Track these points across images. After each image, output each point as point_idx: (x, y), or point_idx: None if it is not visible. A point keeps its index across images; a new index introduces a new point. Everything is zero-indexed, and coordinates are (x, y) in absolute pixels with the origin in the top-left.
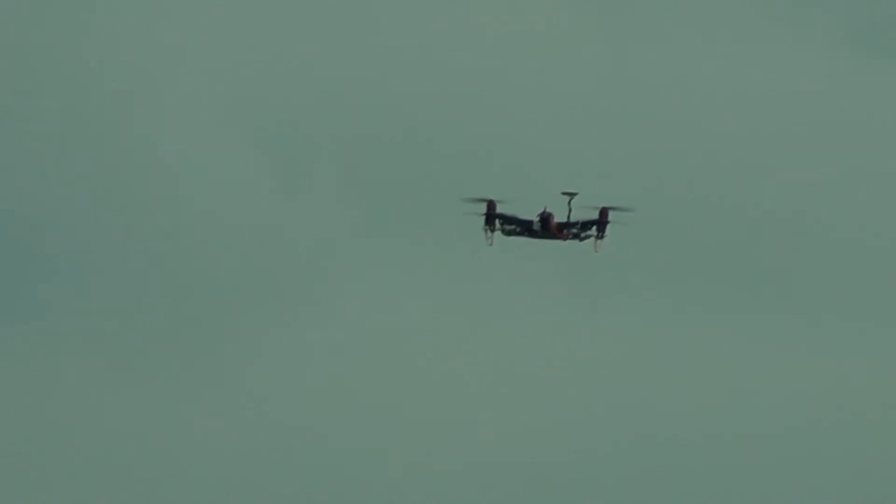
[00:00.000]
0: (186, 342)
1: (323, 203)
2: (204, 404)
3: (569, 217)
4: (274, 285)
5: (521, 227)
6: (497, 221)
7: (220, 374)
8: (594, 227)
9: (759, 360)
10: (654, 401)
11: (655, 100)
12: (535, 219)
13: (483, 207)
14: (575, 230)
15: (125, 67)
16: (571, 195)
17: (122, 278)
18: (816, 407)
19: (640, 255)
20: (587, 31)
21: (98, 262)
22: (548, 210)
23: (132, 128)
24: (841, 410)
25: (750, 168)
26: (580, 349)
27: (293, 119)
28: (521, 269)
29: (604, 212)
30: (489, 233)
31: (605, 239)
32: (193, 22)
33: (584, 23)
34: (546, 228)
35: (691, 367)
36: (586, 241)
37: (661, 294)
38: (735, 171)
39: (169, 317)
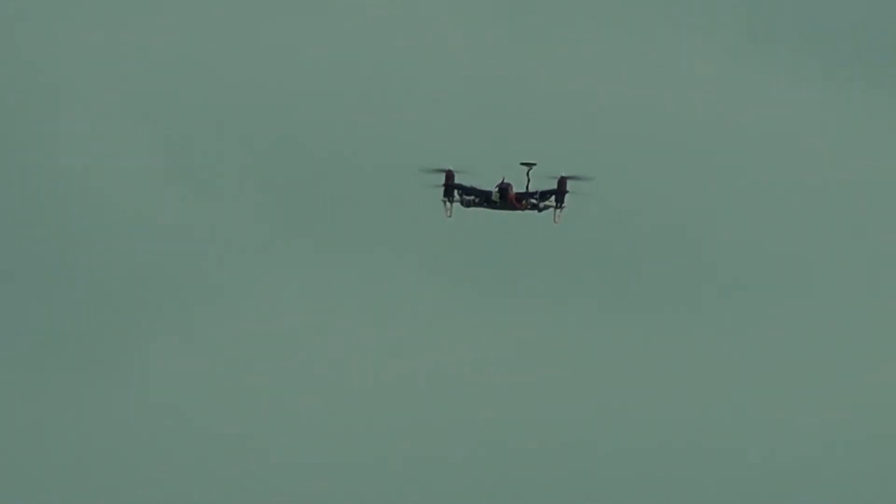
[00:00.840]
0: (85, 344)
1: (230, 205)
2: (99, 405)
3: (527, 187)
4: (176, 286)
5: (480, 198)
6: (455, 192)
7: (124, 376)
8: (553, 198)
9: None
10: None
11: (551, 100)
12: (494, 189)
13: (441, 178)
14: (534, 200)
15: (28, 67)
16: (530, 165)
17: (21, 278)
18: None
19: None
20: (486, 31)
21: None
22: (506, 181)
23: (35, 129)
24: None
25: (647, 167)
26: (492, 349)
27: (197, 121)
28: (430, 270)
29: (562, 181)
30: (448, 204)
31: (564, 209)
32: (100, 22)
33: (482, 22)
34: (505, 199)
35: (592, 367)
36: (545, 212)
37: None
38: (631, 171)
39: (69, 318)
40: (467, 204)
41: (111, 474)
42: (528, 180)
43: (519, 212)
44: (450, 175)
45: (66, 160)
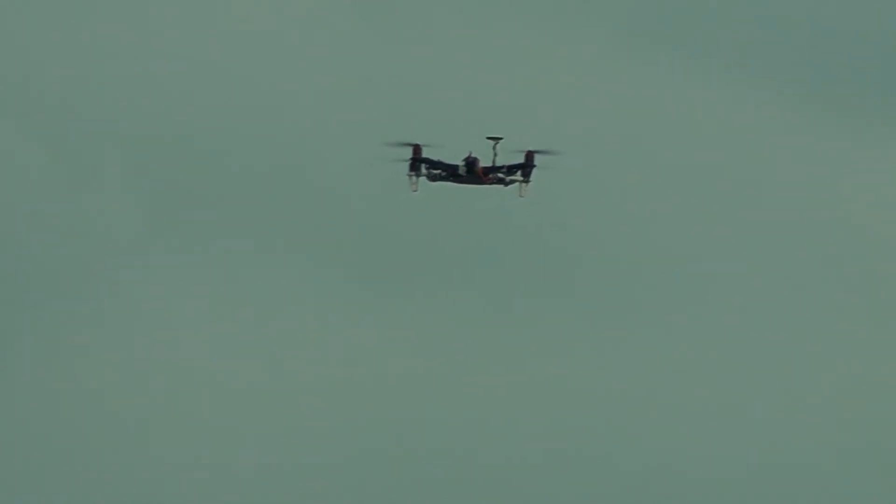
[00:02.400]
0: None
1: (109, 200)
2: None
3: (494, 161)
4: (61, 283)
5: (447, 172)
6: (422, 166)
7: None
8: (519, 172)
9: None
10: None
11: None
12: (461, 163)
13: (408, 152)
14: (501, 174)
15: None
16: (496, 140)
17: None
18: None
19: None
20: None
21: None
22: (473, 154)
23: None
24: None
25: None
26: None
27: (78, 116)
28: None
29: (529, 155)
30: (414, 178)
31: (530, 183)
32: None
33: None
34: (472, 173)
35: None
36: (511, 186)
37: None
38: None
39: None
40: (433, 178)
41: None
42: (495, 154)
43: (485, 186)
44: (417, 149)
45: None
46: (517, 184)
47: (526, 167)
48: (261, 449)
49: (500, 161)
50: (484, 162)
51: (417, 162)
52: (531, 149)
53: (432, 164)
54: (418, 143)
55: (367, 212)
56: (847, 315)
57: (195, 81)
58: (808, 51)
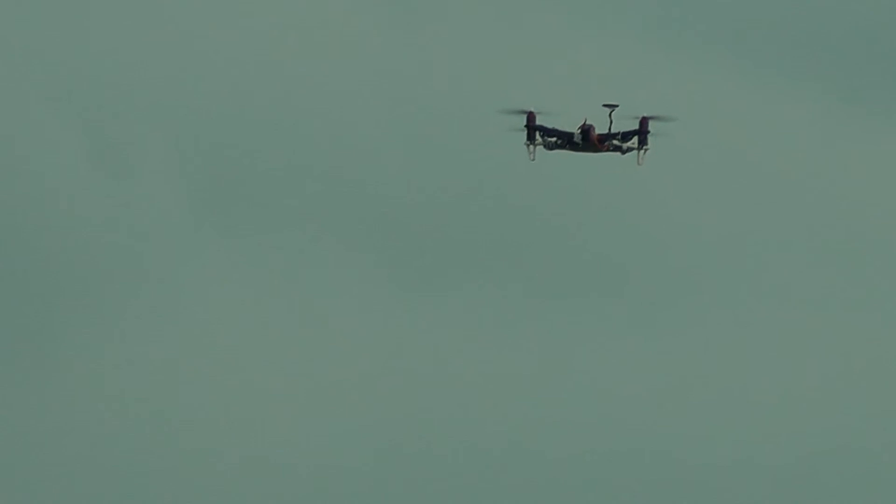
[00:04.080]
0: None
1: (150, 191)
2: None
3: (610, 129)
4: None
5: (563, 140)
6: (538, 134)
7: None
8: (635, 138)
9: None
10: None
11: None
12: (577, 131)
13: (523, 120)
14: (616, 141)
15: None
16: (612, 107)
17: None
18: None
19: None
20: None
21: None
22: (588, 122)
23: None
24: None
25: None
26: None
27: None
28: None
29: (644, 122)
30: (531, 147)
31: (648, 150)
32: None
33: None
34: (587, 140)
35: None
36: (629, 155)
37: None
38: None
39: None
40: (550, 146)
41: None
42: (611, 122)
43: (602, 153)
44: (531, 117)
45: None
46: (634, 151)
47: (641, 133)
48: (292, 443)
49: (616, 129)
50: (599, 130)
51: (532, 130)
52: (646, 115)
53: (547, 131)
54: (532, 110)
55: (486, 183)
56: (870, 312)
57: (246, 71)
58: (838, 47)
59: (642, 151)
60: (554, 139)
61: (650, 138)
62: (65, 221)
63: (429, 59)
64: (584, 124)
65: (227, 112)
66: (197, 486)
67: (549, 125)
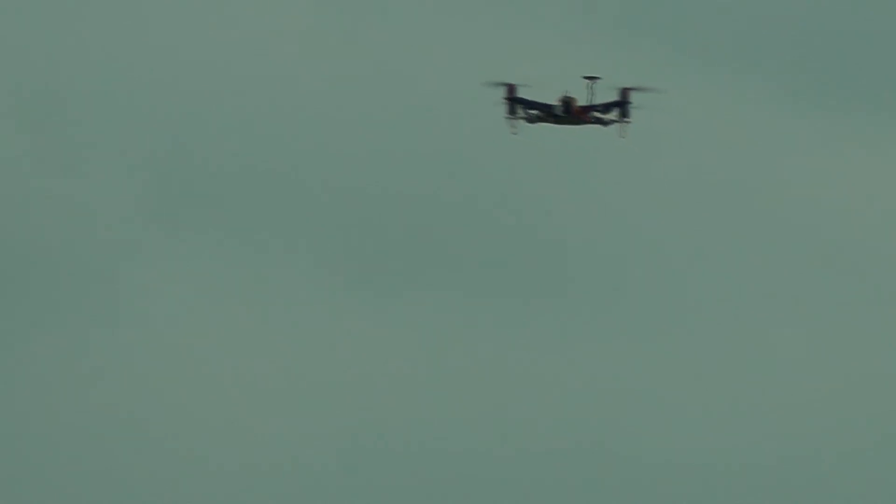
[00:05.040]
0: None
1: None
2: None
3: (590, 101)
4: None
5: (544, 112)
6: (519, 107)
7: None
8: (616, 109)
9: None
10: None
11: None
12: (558, 102)
13: (504, 92)
14: (598, 113)
15: None
16: (593, 79)
17: None
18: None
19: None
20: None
21: None
22: (569, 93)
23: None
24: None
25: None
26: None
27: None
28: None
29: (625, 92)
30: (513, 121)
31: (630, 123)
32: None
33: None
34: (569, 112)
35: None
36: (611, 127)
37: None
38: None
39: None
40: (532, 119)
41: None
42: (592, 94)
43: (584, 126)
44: (512, 89)
45: None
46: (617, 124)
47: (622, 104)
48: (262, 448)
49: (597, 101)
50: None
51: (513, 102)
52: (626, 86)
53: (528, 104)
54: (512, 83)
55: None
56: (844, 314)
57: (201, 68)
58: (805, 49)
59: (624, 124)
60: (536, 112)
61: (632, 110)
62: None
63: (389, 47)
64: (565, 95)
65: (180, 110)
66: (147, 488)
67: (529, 98)
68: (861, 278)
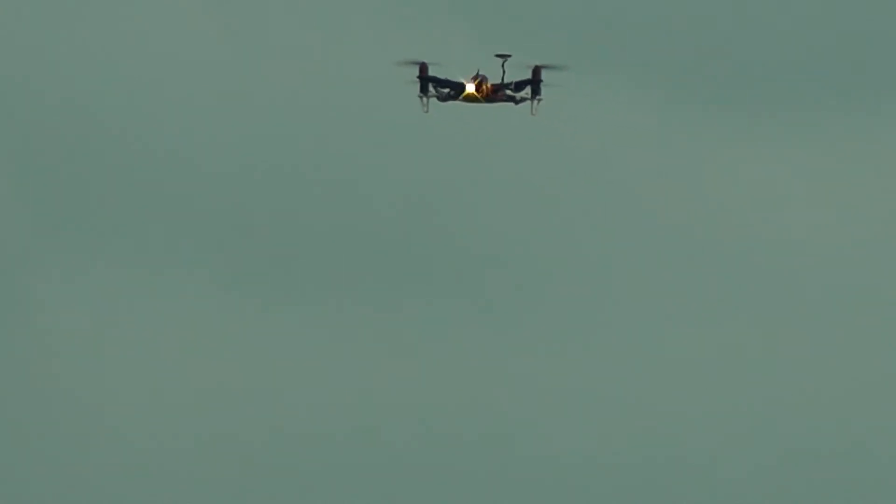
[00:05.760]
0: None
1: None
2: None
3: (503, 79)
4: None
5: (455, 91)
6: (430, 85)
7: None
8: (528, 88)
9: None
10: None
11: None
12: (469, 82)
13: (416, 71)
14: (509, 91)
15: None
16: (505, 57)
17: None
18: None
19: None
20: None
21: None
22: (481, 72)
23: None
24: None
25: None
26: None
27: None
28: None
29: (537, 70)
30: (425, 99)
31: (542, 101)
32: None
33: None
34: (480, 90)
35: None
36: (522, 105)
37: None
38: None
39: None
40: (443, 98)
41: None
42: (504, 72)
43: (495, 104)
44: (423, 68)
45: None
46: (528, 102)
47: (534, 82)
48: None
49: (509, 79)
50: (492, 80)
51: (425, 81)
52: (538, 63)
53: (440, 82)
54: (424, 61)
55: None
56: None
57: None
58: (689, 51)
59: (535, 101)
60: (447, 90)
61: (543, 88)
62: None
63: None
64: (477, 74)
65: (71, 114)
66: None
67: (441, 76)
68: (741, 273)
